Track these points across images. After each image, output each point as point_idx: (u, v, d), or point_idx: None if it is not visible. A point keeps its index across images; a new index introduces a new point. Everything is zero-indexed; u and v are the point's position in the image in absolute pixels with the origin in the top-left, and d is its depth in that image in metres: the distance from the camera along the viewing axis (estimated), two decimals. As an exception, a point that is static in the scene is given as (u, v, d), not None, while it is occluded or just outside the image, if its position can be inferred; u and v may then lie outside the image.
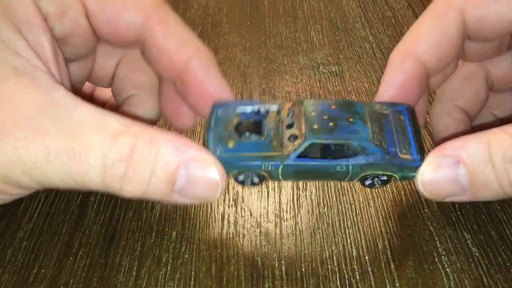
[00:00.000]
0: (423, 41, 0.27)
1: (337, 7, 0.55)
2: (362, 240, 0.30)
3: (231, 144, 0.26)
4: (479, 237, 0.30)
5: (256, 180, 0.27)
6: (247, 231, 0.31)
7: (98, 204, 0.33)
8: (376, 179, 0.27)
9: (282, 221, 0.31)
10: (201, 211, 0.32)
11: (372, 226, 0.31)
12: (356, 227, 0.31)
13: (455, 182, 0.23)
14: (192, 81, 0.28)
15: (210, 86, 0.28)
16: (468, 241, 0.30)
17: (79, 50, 0.28)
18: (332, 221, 0.31)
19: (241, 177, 0.27)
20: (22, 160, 0.21)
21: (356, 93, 0.42)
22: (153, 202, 0.33)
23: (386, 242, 0.30)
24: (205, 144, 0.27)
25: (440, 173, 0.24)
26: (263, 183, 0.27)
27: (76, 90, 0.32)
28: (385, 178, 0.27)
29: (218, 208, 0.32)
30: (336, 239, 0.30)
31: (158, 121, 0.34)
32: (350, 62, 0.46)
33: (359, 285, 0.28)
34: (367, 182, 0.27)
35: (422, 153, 0.26)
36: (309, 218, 0.32)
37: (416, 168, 0.25)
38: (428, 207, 0.32)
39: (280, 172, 0.26)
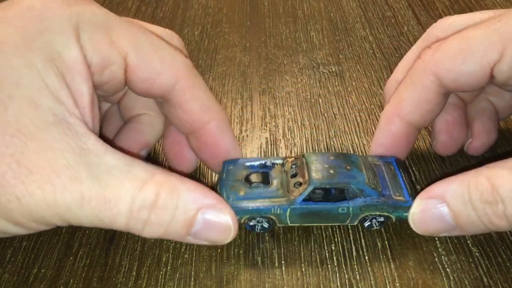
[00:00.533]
0: (405, 104, 0.31)
1: (337, 7, 0.55)
2: (362, 240, 0.30)
3: (242, 193, 0.29)
4: (479, 237, 0.30)
5: (266, 225, 0.30)
6: (247, 231, 0.31)
7: (98, 204, 0.33)
8: (374, 220, 0.30)
9: (282, 221, 0.32)
10: (201, 211, 0.32)
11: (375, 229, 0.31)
12: (356, 227, 0.31)
13: (443, 221, 0.27)
14: (209, 140, 0.31)
15: (224, 146, 0.32)
16: (468, 241, 0.30)
17: (106, 94, 0.30)
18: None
19: (251, 223, 0.30)
20: (58, 204, 0.23)
21: (356, 93, 0.42)
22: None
23: (386, 242, 0.30)
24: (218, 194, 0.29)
25: (427, 214, 0.27)
26: (272, 228, 0.30)
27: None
28: (382, 219, 0.30)
29: (218, 208, 0.32)
30: (336, 239, 0.30)
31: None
32: (350, 62, 0.46)
33: (359, 285, 0.28)
34: (366, 224, 0.30)
35: (414, 195, 0.29)
36: (309, 218, 0.32)
37: (409, 207, 0.28)
38: (428, 207, 0.32)
39: (288, 215, 0.29)
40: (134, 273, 0.29)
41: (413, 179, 0.34)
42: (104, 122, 0.35)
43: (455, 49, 0.29)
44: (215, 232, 0.27)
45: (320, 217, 0.29)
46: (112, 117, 0.35)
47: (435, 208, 0.26)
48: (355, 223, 0.30)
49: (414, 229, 0.28)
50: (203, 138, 0.31)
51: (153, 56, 0.28)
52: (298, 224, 0.30)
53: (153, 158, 0.37)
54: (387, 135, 0.32)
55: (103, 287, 0.28)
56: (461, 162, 0.35)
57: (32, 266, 0.29)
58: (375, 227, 0.30)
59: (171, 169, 0.34)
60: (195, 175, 0.35)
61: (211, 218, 0.26)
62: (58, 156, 0.23)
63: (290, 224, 0.30)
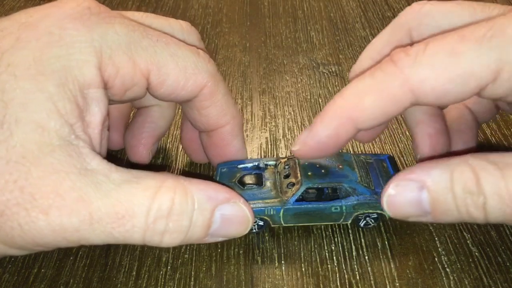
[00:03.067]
0: (364, 114, 0.26)
1: (337, 7, 0.55)
2: (362, 240, 0.30)
3: None
4: (479, 237, 0.30)
5: (261, 223, 0.30)
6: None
7: (98, 204, 0.33)
8: (368, 218, 0.30)
9: (282, 221, 0.32)
10: (201, 211, 0.32)
11: (372, 227, 0.31)
12: (356, 227, 0.31)
13: (418, 205, 0.25)
14: (220, 142, 0.32)
15: (232, 149, 0.32)
16: (468, 241, 0.30)
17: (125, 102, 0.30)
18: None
19: None
20: (65, 228, 0.22)
21: (356, 93, 0.42)
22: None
23: (386, 242, 0.30)
24: None
25: (404, 196, 0.25)
26: (268, 225, 0.30)
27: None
28: (375, 216, 0.30)
29: (218, 208, 0.32)
30: (336, 239, 0.30)
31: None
32: (350, 62, 0.46)
33: (359, 285, 0.28)
34: (361, 223, 0.30)
35: None
36: (309, 218, 0.32)
37: None
38: (428, 207, 0.32)
39: (281, 215, 0.29)
40: (134, 273, 0.29)
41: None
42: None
43: (441, 66, 0.24)
44: (233, 226, 0.26)
45: (313, 217, 0.29)
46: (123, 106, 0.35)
47: (414, 192, 0.25)
48: (349, 222, 0.30)
49: (387, 211, 0.26)
50: (214, 139, 0.32)
51: (176, 70, 0.27)
52: (292, 224, 0.30)
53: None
54: (330, 135, 0.27)
55: (103, 287, 0.28)
56: (461, 162, 0.35)
57: (32, 266, 0.29)
58: (371, 224, 0.30)
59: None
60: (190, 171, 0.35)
61: (228, 213, 0.25)
62: (62, 178, 0.22)
63: (284, 225, 0.30)
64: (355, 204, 0.29)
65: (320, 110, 0.41)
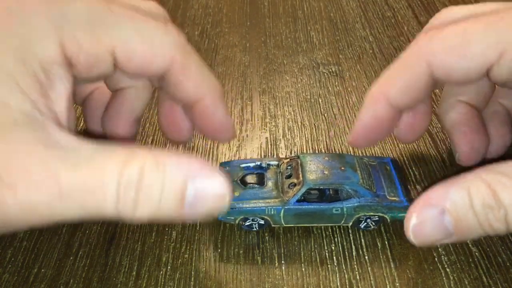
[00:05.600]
0: (393, 87, 0.30)
1: (337, 7, 0.55)
2: (362, 240, 0.30)
3: (237, 193, 0.30)
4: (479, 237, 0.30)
5: (261, 222, 0.30)
6: (247, 231, 0.31)
7: (98, 204, 0.33)
8: (369, 220, 0.30)
9: (282, 221, 0.32)
10: (201, 211, 0.32)
11: (372, 229, 0.31)
12: (356, 227, 0.31)
13: (443, 229, 0.25)
14: (203, 114, 0.31)
15: (217, 120, 0.31)
16: (468, 241, 0.30)
17: (94, 80, 0.29)
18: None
19: (247, 223, 0.30)
20: (34, 204, 0.22)
21: (356, 93, 0.42)
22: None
23: (386, 242, 0.30)
24: None
25: (428, 224, 0.26)
26: (268, 224, 0.30)
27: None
28: (376, 218, 0.30)
29: (218, 208, 0.32)
30: (336, 239, 0.30)
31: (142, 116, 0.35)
32: (350, 62, 0.46)
33: (359, 285, 0.28)
34: (362, 225, 0.30)
35: (409, 196, 0.30)
36: (309, 218, 0.32)
37: (403, 208, 0.29)
38: (428, 207, 0.32)
39: (282, 215, 0.29)
40: (134, 273, 0.29)
41: (413, 179, 0.34)
42: (90, 96, 0.35)
43: (452, 42, 0.28)
44: (209, 199, 0.24)
45: (314, 218, 0.30)
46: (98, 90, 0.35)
47: (436, 217, 0.26)
48: (350, 224, 0.30)
49: (413, 240, 0.27)
50: (197, 112, 0.31)
51: (143, 45, 0.27)
52: (292, 225, 0.30)
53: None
54: (371, 115, 0.31)
55: (103, 287, 0.28)
56: (461, 162, 0.35)
57: (32, 266, 0.29)
58: (372, 227, 0.30)
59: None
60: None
61: (201, 185, 0.24)
62: (28, 153, 0.22)
63: (284, 225, 0.30)
64: (356, 206, 0.29)
65: (320, 110, 0.41)
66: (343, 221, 0.30)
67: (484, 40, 0.27)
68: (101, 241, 0.31)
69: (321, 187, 0.29)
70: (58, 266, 0.29)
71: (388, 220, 0.30)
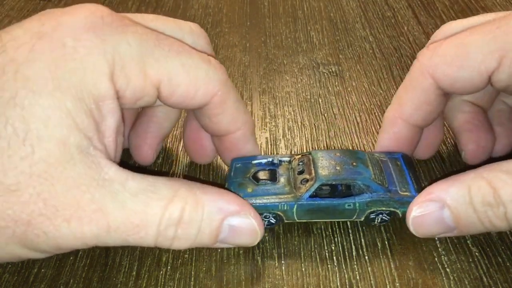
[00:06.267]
0: (407, 107, 0.32)
1: (337, 7, 0.55)
2: (362, 240, 0.30)
3: (250, 190, 0.30)
4: (479, 237, 0.30)
5: (273, 220, 0.30)
6: (247, 231, 0.31)
7: (98, 204, 0.33)
8: (380, 215, 0.30)
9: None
10: (201, 211, 0.32)
11: (372, 226, 0.31)
12: (356, 227, 0.31)
13: (442, 223, 0.27)
14: (232, 147, 0.32)
15: (244, 153, 0.33)
16: (468, 241, 0.30)
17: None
18: (332, 221, 0.31)
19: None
20: (85, 236, 0.24)
21: (356, 93, 0.42)
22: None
23: (386, 242, 0.30)
24: None
25: (428, 217, 0.27)
26: (279, 224, 0.31)
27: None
28: (388, 212, 0.30)
29: (218, 208, 0.32)
30: (336, 239, 0.30)
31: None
32: (350, 62, 0.46)
33: (359, 285, 0.28)
34: (376, 221, 0.30)
35: (420, 191, 0.29)
36: (309, 218, 0.32)
37: None
38: (428, 207, 0.32)
39: (295, 211, 0.29)
40: (134, 273, 0.29)
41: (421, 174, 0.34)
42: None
43: (452, 54, 0.29)
44: (242, 236, 0.27)
45: (326, 213, 0.30)
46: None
47: (436, 211, 0.27)
48: (362, 219, 0.30)
49: (413, 232, 0.28)
50: (226, 144, 0.32)
51: (187, 80, 0.28)
52: (305, 220, 0.30)
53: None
54: (391, 137, 0.33)
55: (103, 287, 0.28)
56: (461, 162, 0.35)
57: (32, 266, 0.29)
58: (386, 221, 0.30)
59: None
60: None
61: (236, 224, 0.27)
62: (83, 191, 0.24)
63: (297, 220, 0.30)
64: (369, 201, 0.29)
65: (320, 110, 0.41)
66: (355, 216, 0.30)
67: (482, 49, 0.28)
68: (101, 241, 0.31)
69: (334, 182, 0.29)
70: (58, 266, 0.29)
71: (400, 215, 0.30)
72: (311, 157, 0.31)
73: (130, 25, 0.26)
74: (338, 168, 0.29)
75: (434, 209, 0.27)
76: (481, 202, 0.25)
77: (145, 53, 0.26)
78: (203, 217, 0.26)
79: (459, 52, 0.29)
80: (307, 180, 0.29)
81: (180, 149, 0.37)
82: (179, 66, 0.27)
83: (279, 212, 0.29)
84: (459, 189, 0.26)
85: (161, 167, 0.36)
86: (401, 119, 0.32)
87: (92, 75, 0.25)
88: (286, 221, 0.30)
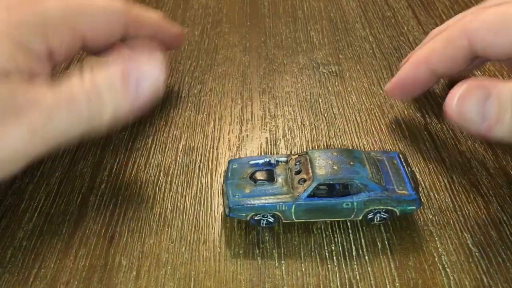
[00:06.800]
0: (435, 56, 0.35)
1: (337, 7, 0.55)
2: (362, 240, 0.30)
3: (247, 190, 0.30)
4: (479, 237, 0.30)
5: (271, 219, 0.30)
6: (247, 231, 0.31)
7: (98, 204, 0.33)
8: (378, 214, 0.30)
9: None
10: (201, 211, 0.32)
11: (372, 226, 0.31)
12: (356, 227, 0.31)
13: (481, 112, 0.27)
14: (163, 36, 0.39)
15: (173, 32, 0.41)
16: (468, 241, 0.30)
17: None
18: (331, 221, 0.31)
19: (257, 217, 0.30)
20: (32, 122, 0.27)
21: (356, 93, 0.42)
22: (153, 202, 0.33)
23: (386, 242, 0.30)
24: (224, 193, 0.31)
25: (471, 99, 0.28)
26: (277, 223, 0.31)
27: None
28: (386, 211, 0.30)
29: (218, 208, 0.32)
30: (336, 239, 0.30)
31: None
32: (350, 62, 0.46)
33: (359, 285, 0.28)
34: (375, 219, 0.30)
35: (417, 189, 0.30)
36: (309, 218, 0.32)
37: (412, 201, 0.29)
38: (428, 207, 0.32)
39: (293, 211, 0.30)
40: (134, 273, 0.29)
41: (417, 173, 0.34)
42: None
43: (491, 21, 0.31)
44: (147, 80, 0.30)
45: (325, 213, 0.30)
46: None
47: (481, 98, 0.27)
48: (360, 218, 0.30)
49: (449, 111, 0.28)
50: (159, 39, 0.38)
51: (105, 24, 0.33)
52: (303, 220, 0.30)
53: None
54: (411, 76, 0.36)
55: (103, 287, 0.28)
56: (461, 161, 0.35)
57: (32, 266, 0.29)
58: (386, 218, 0.31)
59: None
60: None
61: (139, 69, 0.30)
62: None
63: (295, 220, 0.30)
64: (366, 200, 0.29)
65: (320, 110, 0.41)
66: (353, 215, 0.30)
67: None
68: (101, 241, 0.31)
69: (332, 182, 0.29)
70: (58, 266, 0.29)
71: (397, 213, 0.30)
72: (308, 157, 0.31)
73: None
74: (335, 167, 0.29)
75: (481, 94, 0.27)
76: None
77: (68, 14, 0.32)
78: (111, 74, 0.29)
79: (499, 20, 0.31)
80: (305, 180, 0.30)
81: (180, 149, 0.37)
82: (95, 17, 0.33)
83: (277, 212, 0.30)
84: (505, 87, 0.27)
85: (161, 167, 0.36)
86: (425, 64, 0.35)
87: (28, 33, 0.29)
88: (284, 221, 0.30)
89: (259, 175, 0.31)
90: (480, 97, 0.27)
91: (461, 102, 0.28)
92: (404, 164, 0.32)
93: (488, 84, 0.28)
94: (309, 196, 0.29)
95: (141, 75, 0.29)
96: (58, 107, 0.28)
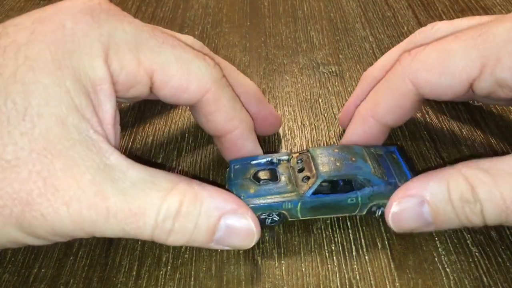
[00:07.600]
0: (381, 108, 0.32)
1: (337, 7, 0.55)
2: (362, 240, 0.30)
3: (252, 190, 0.30)
4: (479, 237, 0.30)
5: (276, 218, 0.30)
6: (247, 231, 0.31)
7: (98, 204, 0.33)
8: (381, 208, 0.30)
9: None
10: (201, 211, 0.32)
11: (372, 226, 0.31)
12: (356, 226, 0.31)
13: (421, 218, 0.27)
14: (231, 146, 0.32)
15: (245, 151, 0.33)
16: (468, 241, 0.30)
17: (129, 101, 0.31)
18: (331, 220, 0.31)
19: (262, 216, 0.30)
20: (84, 220, 0.24)
21: (356, 93, 0.42)
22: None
23: (386, 242, 0.30)
24: None
25: (407, 212, 0.27)
26: (282, 221, 0.31)
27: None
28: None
29: (218, 208, 0.32)
30: (336, 239, 0.30)
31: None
32: (350, 62, 0.46)
33: (359, 285, 0.28)
34: (375, 211, 0.30)
35: None
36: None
37: None
38: (428, 207, 0.32)
39: (299, 209, 0.30)
40: (134, 273, 0.29)
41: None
42: None
43: (434, 61, 0.29)
44: (237, 237, 0.27)
45: (329, 209, 0.30)
46: None
47: (415, 207, 0.27)
48: (364, 213, 0.30)
49: (392, 227, 0.28)
50: (226, 144, 0.32)
51: (180, 72, 0.28)
52: (308, 217, 0.30)
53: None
54: (360, 134, 0.33)
55: (103, 287, 0.28)
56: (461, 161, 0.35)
57: (32, 266, 0.29)
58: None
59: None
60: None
61: (233, 223, 0.26)
62: (83, 172, 0.24)
63: (301, 218, 0.30)
64: (371, 195, 0.29)
65: (320, 110, 0.41)
66: (357, 211, 0.30)
67: (464, 57, 0.28)
68: (101, 241, 0.31)
69: (336, 178, 0.29)
70: (58, 266, 0.29)
71: None
72: (309, 155, 0.31)
73: (127, 15, 0.27)
74: (338, 164, 0.30)
75: (414, 204, 0.27)
76: (459, 198, 0.26)
77: (139, 41, 0.27)
78: (201, 212, 0.26)
79: (441, 59, 0.28)
80: (309, 178, 0.30)
81: (183, 150, 0.37)
82: (172, 58, 0.28)
83: (283, 211, 0.30)
84: (438, 185, 0.26)
85: (161, 167, 0.36)
86: (373, 118, 0.32)
87: (89, 58, 0.25)
88: (290, 219, 0.30)
89: (262, 175, 0.31)
90: (415, 211, 0.27)
91: (397, 222, 0.28)
92: (403, 158, 0.32)
93: (418, 190, 0.27)
94: (314, 193, 0.29)
95: (233, 229, 0.27)
96: (123, 211, 0.24)
